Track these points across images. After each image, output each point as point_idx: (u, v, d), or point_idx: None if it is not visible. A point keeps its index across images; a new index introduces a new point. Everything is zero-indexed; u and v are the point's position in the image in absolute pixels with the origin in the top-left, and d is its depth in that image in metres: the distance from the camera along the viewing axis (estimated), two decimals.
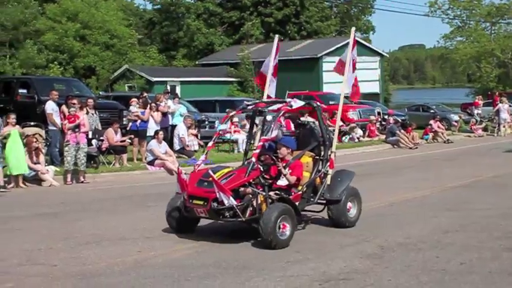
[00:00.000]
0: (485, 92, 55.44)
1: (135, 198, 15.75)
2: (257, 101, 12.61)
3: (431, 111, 39.39)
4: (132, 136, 21.76)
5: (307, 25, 63.73)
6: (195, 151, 23.05)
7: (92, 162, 20.25)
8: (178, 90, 42.76)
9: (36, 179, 17.98)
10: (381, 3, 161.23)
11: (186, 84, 46.01)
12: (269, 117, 12.56)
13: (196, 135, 23.85)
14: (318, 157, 11.64)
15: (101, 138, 20.87)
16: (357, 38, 12.56)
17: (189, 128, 23.51)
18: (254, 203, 10.22)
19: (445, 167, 22.09)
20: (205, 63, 55.60)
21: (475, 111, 40.39)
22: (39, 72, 40.54)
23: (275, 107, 11.36)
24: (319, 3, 66.57)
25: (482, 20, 68.60)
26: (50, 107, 20.28)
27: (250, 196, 10.28)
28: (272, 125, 11.06)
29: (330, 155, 11.66)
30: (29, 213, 13.67)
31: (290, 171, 10.94)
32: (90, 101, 21.42)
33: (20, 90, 24.48)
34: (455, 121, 38.62)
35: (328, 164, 11.60)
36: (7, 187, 16.98)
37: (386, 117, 33.94)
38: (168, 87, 39.98)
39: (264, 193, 10.38)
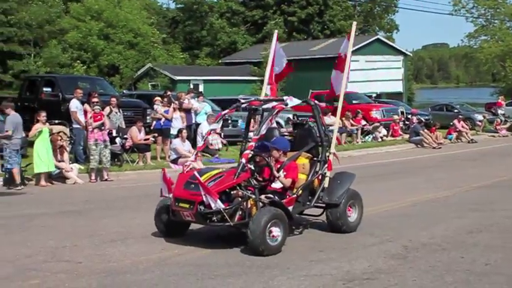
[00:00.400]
0: (509, 92, 54.96)
1: (159, 197, 15.77)
2: (252, 99, 12.17)
3: (455, 110, 39.09)
4: (156, 134, 21.82)
5: (330, 24, 63.59)
6: (219, 149, 23.14)
7: (116, 160, 20.34)
8: (201, 88, 42.95)
9: (60, 177, 18.10)
10: (405, 2, 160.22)
11: (209, 83, 46.18)
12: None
13: (219, 134, 23.87)
14: (315, 158, 11.14)
15: (125, 136, 20.98)
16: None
17: None
18: (244, 206, 9.80)
19: (468, 167, 21.94)
20: (228, 62, 55.75)
21: (499, 111, 40.07)
22: (63, 70, 40.82)
23: (270, 105, 10.92)
24: (343, 2, 66.33)
25: (507, 19, 67.96)
26: (74, 105, 20.44)
27: (240, 199, 9.80)
28: (263, 124, 10.45)
29: (328, 156, 11.16)
30: (54, 211, 13.78)
31: (285, 173, 10.47)
32: (114, 100, 21.48)
33: (45, 89, 24.76)
34: (480, 121, 38.27)
35: (326, 165, 11.11)
36: (40, 183, 17.22)
37: (409, 116, 33.73)
38: (191, 86, 40.04)
39: (254, 196, 9.88)
